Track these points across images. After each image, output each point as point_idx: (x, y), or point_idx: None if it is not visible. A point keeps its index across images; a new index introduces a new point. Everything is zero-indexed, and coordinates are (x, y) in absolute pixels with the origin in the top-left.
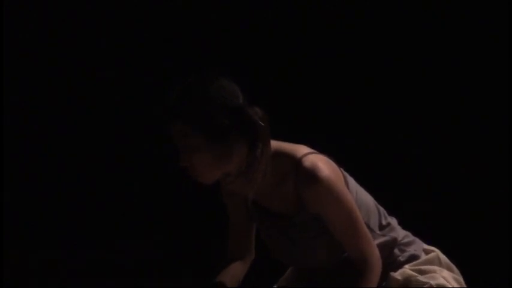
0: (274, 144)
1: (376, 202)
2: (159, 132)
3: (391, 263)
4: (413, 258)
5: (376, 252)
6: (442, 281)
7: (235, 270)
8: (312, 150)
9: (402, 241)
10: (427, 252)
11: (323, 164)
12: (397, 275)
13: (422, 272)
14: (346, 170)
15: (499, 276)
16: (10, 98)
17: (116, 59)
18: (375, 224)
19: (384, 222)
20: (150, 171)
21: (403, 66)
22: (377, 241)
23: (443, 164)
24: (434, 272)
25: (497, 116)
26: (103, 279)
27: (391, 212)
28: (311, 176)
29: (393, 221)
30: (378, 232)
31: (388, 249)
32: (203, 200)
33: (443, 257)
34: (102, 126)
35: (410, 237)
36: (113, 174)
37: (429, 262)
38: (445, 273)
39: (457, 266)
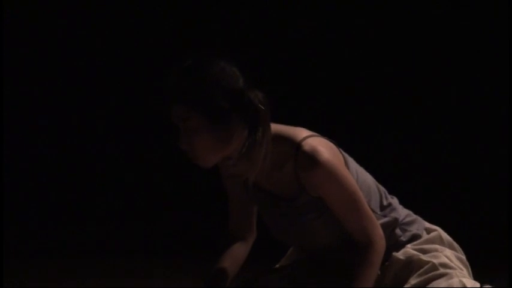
0: (274, 127)
1: (376, 182)
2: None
3: (393, 243)
4: (415, 237)
5: (379, 232)
6: (444, 260)
7: (237, 253)
8: (311, 133)
9: (404, 221)
10: (428, 231)
11: (323, 147)
12: (400, 254)
13: (424, 251)
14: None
15: (499, 272)
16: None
17: (115, 59)
18: (376, 205)
19: (385, 203)
20: (151, 168)
21: (405, 65)
22: (378, 222)
23: (442, 162)
24: (436, 250)
25: (497, 115)
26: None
27: (391, 191)
28: (311, 159)
29: (394, 201)
30: (379, 213)
31: (390, 229)
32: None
33: (445, 235)
34: (103, 122)
35: (412, 216)
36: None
37: (431, 241)
38: (448, 252)
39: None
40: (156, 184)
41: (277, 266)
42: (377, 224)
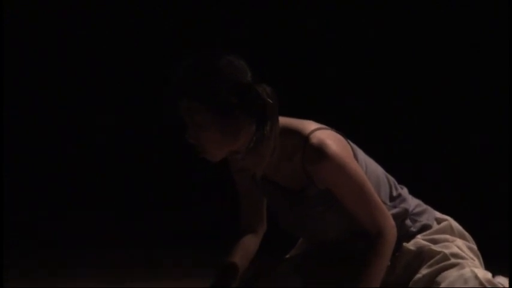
0: (282, 120)
1: (386, 173)
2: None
3: (404, 234)
4: (425, 228)
5: (390, 222)
6: (456, 250)
7: (248, 245)
8: (319, 126)
9: (414, 211)
10: (439, 221)
11: (330, 140)
12: (410, 245)
13: (435, 242)
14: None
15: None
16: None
17: (115, 59)
18: (385, 196)
19: (394, 194)
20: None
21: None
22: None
23: (442, 160)
24: (447, 240)
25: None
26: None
27: (400, 181)
28: (319, 152)
29: (404, 191)
30: (389, 204)
31: (400, 220)
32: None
33: (456, 225)
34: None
35: (422, 206)
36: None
37: (441, 231)
38: (459, 242)
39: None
40: (160, 178)
41: (287, 256)
42: (387, 214)
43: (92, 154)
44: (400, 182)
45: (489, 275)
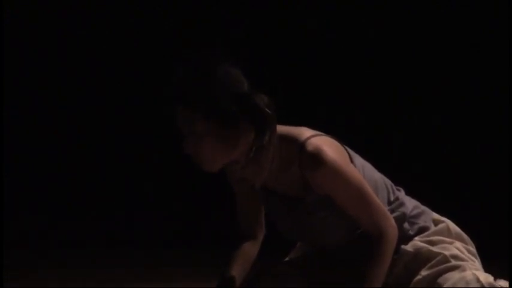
0: (277, 128)
1: (384, 177)
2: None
3: (402, 237)
4: (423, 230)
5: (391, 222)
6: (456, 252)
7: (248, 251)
8: (315, 132)
9: (411, 214)
10: (436, 223)
11: (326, 146)
12: (408, 247)
13: (432, 243)
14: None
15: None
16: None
17: (115, 59)
18: (383, 201)
19: (392, 198)
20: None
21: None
22: None
23: (442, 161)
24: (444, 242)
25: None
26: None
27: (399, 182)
28: (315, 160)
29: (401, 194)
30: (387, 208)
31: (398, 224)
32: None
33: (453, 227)
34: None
35: (419, 208)
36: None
37: (439, 233)
38: (458, 244)
39: None
40: (160, 178)
41: (286, 259)
42: (388, 215)
43: (92, 154)
44: (398, 183)
45: (491, 278)
